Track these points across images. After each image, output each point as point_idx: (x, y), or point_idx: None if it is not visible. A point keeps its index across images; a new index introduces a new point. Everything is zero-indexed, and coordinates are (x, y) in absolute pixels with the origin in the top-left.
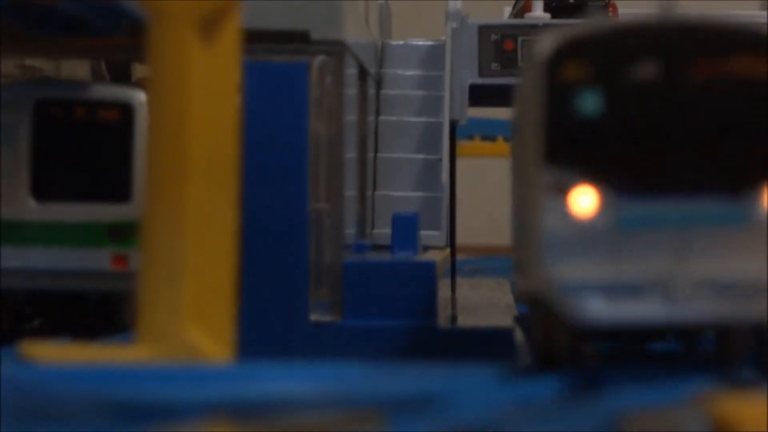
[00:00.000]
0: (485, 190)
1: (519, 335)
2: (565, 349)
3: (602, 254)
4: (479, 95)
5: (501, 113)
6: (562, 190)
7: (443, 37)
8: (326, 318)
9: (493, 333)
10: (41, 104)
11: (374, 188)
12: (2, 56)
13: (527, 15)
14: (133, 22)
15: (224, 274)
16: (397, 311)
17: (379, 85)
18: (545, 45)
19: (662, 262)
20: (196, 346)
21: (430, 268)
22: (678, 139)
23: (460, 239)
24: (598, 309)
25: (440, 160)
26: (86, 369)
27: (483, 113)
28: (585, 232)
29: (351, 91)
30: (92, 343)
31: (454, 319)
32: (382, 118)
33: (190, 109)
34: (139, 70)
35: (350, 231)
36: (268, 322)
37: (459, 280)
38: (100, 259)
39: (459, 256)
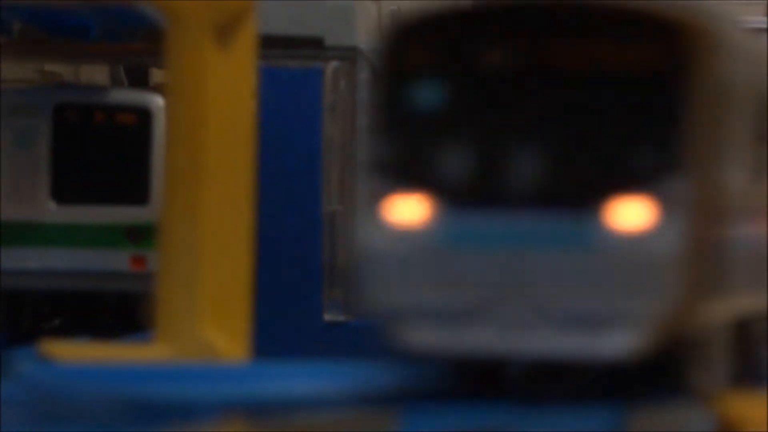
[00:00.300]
0: None
1: None
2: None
3: (430, 274)
4: None
5: None
6: (385, 198)
7: None
8: (340, 318)
9: None
10: (60, 109)
11: None
12: (23, 61)
13: None
14: (150, 28)
15: (241, 275)
16: None
17: None
18: (388, 28)
19: (497, 286)
20: (212, 346)
21: None
22: (523, 141)
23: None
24: (423, 337)
25: None
26: (105, 368)
27: None
28: (410, 249)
29: (364, 95)
30: (111, 343)
31: None
32: None
33: (207, 112)
34: (156, 75)
35: None
36: (283, 321)
37: None
38: (118, 260)
39: None
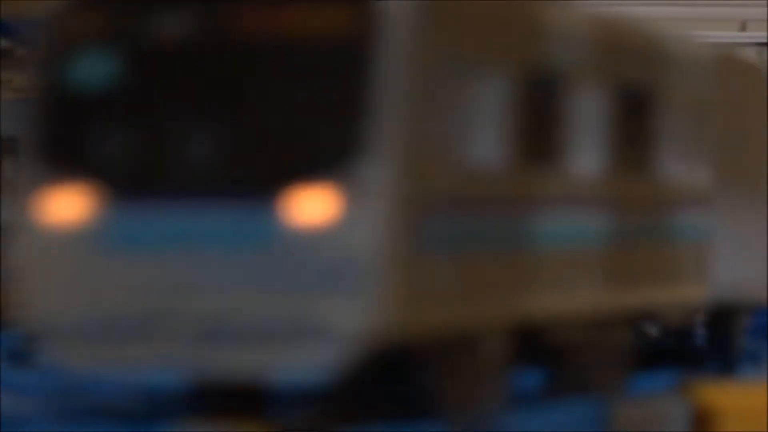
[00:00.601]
0: None
1: None
2: None
3: (85, 280)
4: None
5: None
6: (38, 191)
7: None
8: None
9: None
10: None
11: None
12: None
13: None
14: None
15: None
16: None
17: None
18: None
19: (164, 294)
20: None
21: None
22: (195, 123)
23: None
24: (71, 356)
25: None
26: None
27: None
28: (63, 251)
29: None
30: None
31: None
32: None
33: None
34: None
35: None
36: None
37: None
38: None
39: None
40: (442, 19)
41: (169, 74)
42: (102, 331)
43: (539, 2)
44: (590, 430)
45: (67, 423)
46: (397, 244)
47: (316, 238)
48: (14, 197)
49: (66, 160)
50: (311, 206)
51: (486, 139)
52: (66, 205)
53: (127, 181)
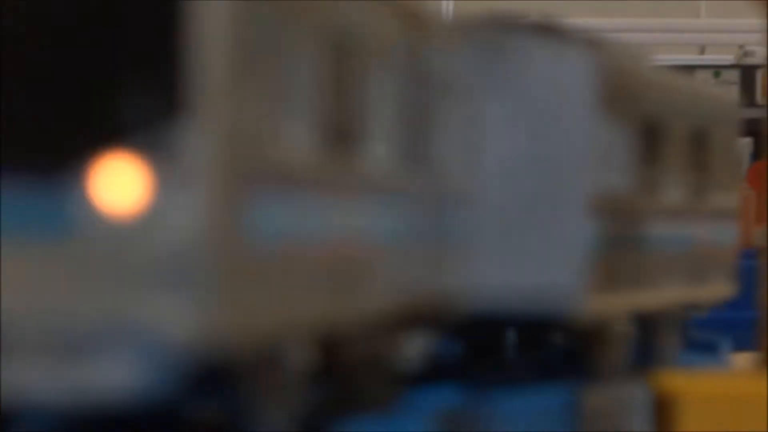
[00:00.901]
0: None
1: None
2: None
3: None
4: None
5: None
6: None
7: None
8: None
9: None
10: None
11: None
12: None
13: None
14: None
15: None
16: None
17: None
18: None
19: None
20: None
21: None
22: None
23: None
24: None
25: None
26: None
27: None
28: None
29: None
30: None
31: None
32: None
33: None
34: None
35: None
36: None
37: None
38: None
39: None
40: None
41: None
42: None
43: None
44: (559, 416)
45: None
46: (224, 230)
47: (125, 223)
48: None
49: None
50: (115, 187)
51: (304, 109)
52: None
53: None
